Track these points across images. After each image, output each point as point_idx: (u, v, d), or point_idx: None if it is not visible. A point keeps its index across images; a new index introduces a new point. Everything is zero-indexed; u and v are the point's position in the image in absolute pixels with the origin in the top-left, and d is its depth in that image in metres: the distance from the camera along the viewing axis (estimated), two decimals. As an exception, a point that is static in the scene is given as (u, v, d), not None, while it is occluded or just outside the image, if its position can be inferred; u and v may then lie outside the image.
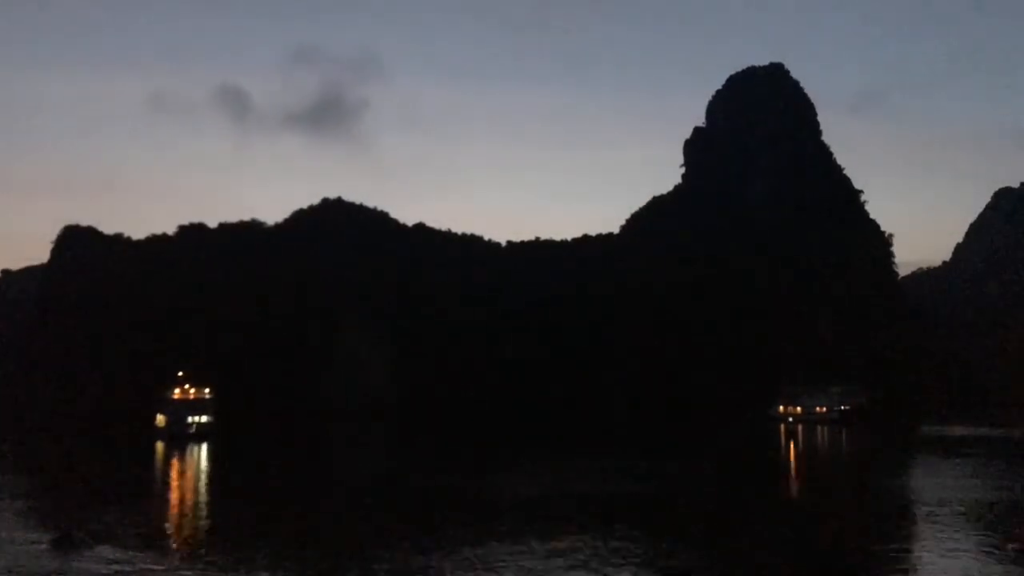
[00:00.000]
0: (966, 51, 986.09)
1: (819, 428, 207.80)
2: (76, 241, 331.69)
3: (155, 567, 50.65)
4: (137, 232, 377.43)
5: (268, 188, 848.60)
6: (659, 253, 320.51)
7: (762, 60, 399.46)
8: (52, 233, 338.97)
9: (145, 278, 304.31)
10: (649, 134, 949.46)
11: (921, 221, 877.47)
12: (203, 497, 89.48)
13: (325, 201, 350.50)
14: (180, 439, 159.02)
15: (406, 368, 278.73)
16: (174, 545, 59.31)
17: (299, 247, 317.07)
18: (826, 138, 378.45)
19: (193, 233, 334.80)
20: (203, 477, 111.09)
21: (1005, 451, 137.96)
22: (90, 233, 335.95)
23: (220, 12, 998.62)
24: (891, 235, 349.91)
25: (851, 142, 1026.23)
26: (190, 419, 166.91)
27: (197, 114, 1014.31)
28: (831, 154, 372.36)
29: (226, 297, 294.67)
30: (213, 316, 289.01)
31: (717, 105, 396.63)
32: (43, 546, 55.86)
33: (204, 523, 70.67)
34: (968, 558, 52.47)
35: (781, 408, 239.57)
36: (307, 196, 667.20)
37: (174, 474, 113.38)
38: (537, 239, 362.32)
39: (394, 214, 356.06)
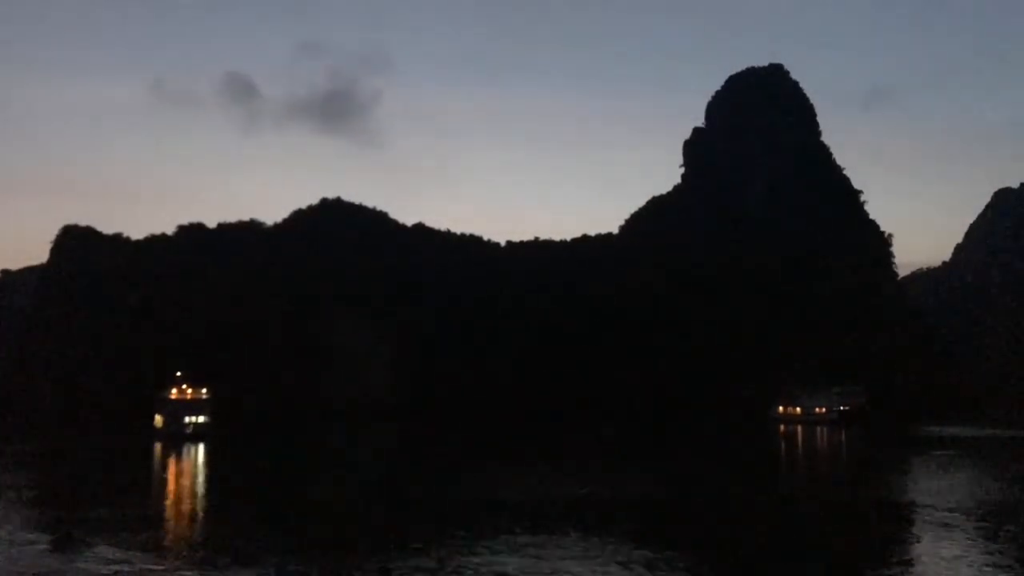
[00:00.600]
0: (966, 52, 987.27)
1: (819, 429, 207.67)
2: (76, 241, 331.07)
3: (155, 567, 50.49)
4: (136, 232, 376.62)
5: (268, 187, 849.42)
6: (659, 253, 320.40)
7: (763, 58, 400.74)
8: (52, 233, 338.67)
9: (145, 278, 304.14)
10: (649, 134, 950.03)
11: (921, 221, 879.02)
12: (202, 497, 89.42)
13: (324, 201, 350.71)
14: (177, 439, 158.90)
15: (406, 368, 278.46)
16: (174, 545, 59.21)
17: (298, 247, 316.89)
18: (826, 138, 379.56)
19: (192, 233, 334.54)
20: (201, 477, 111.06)
21: (1005, 451, 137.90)
22: (90, 233, 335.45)
23: (226, 5, 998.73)
24: (891, 235, 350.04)
25: (851, 142, 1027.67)
26: (187, 419, 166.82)
27: (198, 113, 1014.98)
28: (831, 154, 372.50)
29: (225, 297, 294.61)
30: (212, 316, 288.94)
31: (716, 105, 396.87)
32: (43, 546, 55.73)
33: (204, 523, 70.60)
34: (968, 558, 52.31)
35: (781, 409, 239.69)
36: (306, 196, 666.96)
37: (172, 474, 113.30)
38: (536, 239, 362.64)
39: (393, 214, 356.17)
